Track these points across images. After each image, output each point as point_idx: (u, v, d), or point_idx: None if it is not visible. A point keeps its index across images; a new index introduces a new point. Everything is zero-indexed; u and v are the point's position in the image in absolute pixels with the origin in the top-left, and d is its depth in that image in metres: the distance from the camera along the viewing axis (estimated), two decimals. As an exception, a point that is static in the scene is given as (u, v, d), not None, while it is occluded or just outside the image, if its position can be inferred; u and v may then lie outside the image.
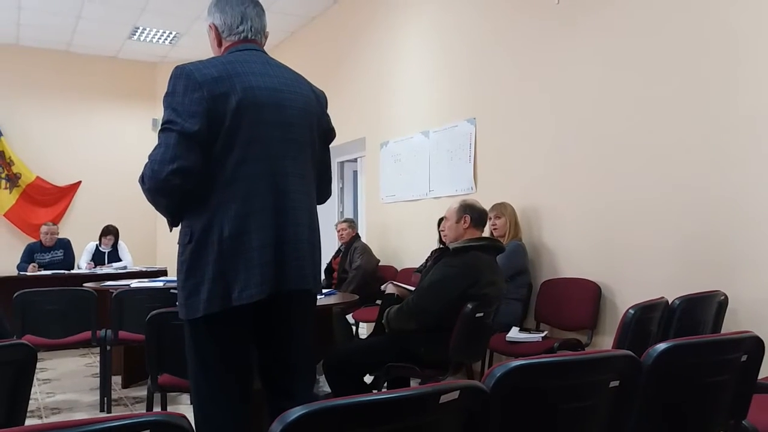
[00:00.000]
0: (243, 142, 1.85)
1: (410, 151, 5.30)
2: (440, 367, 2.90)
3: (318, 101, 2.09)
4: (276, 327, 1.98)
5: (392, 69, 5.56)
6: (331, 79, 6.41)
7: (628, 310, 2.26)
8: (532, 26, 4.04)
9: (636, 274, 3.34)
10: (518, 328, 3.64)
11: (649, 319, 2.41)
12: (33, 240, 6.63)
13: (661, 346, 1.43)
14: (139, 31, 7.14)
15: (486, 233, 3.38)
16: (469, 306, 2.81)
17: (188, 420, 0.97)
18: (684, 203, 3.11)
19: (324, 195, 2.19)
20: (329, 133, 2.17)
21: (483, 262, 2.97)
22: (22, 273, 5.87)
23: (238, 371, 1.93)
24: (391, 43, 5.57)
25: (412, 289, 3.18)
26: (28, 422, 1.75)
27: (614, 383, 1.34)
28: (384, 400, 1.06)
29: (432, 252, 3.34)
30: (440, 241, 4.32)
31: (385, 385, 3.15)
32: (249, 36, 2.01)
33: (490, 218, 3.93)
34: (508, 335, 3.54)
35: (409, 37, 5.33)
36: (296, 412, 0.96)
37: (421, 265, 4.34)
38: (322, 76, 6.37)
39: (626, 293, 3.39)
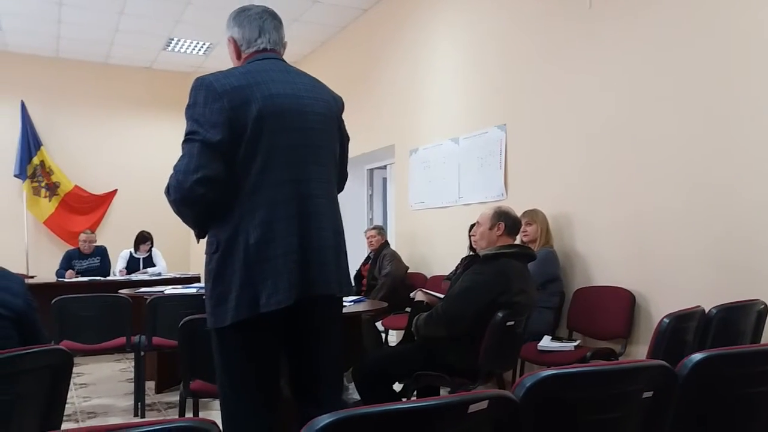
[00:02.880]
0: (265, 149, 1.86)
1: (440, 158, 5.29)
2: (470, 376, 2.87)
3: (336, 105, 2.11)
4: (303, 333, 1.98)
5: (422, 76, 5.57)
6: (361, 87, 6.45)
7: (662, 319, 2.21)
8: (564, 31, 4.00)
9: (671, 281, 3.27)
10: (550, 337, 3.59)
11: (684, 329, 2.36)
12: (71, 247, 6.80)
13: (698, 356, 1.39)
14: (174, 42, 7.29)
15: (517, 240, 3.35)
16: (500, 314, 2.78)
17: (218, 426, 0.98)
18: (721, 209, 3.04)
19: (338, 189, 2.18)
20: (345, 139, 2.18)
21: (514, 269, 2.94)
22: (60, 279, 6.02)
23: (265, 379, 1.94)
24: (421, 50, 5.58)
25: (442, 296, 3.16)
26: (65, 425, 1.79)
27: (648, 394, 1.31)
28: (412, 408, 1.06)
29: (462, 259, 3.32)
30: (471, 248, 4.29)
31: (415, 393, 3.14)
32: (267, 47, 2.03)
33: (521, 225, 3.90)
34: (539, 344, 3.50)
35: (440, 43, 5.34)
36: (324, 419, 0.97)
37: (451, 273, 4.31)
38: (352, 84, 6.43)
39: (661, 301, 3.32)
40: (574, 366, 1.30)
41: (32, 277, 6.20)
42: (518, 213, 3.39)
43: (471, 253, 3.97)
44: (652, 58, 3.40)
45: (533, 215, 3.94)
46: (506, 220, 3.06)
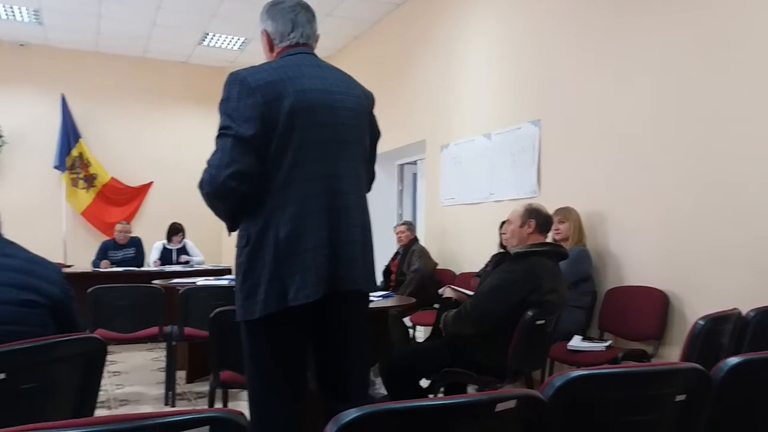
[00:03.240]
0: (296, 144, 1.88)
1: (471, 154, 5.25)
2: (498, 374, 2.85)
3: (367, 101, 2.10)
4: (330, 328, 2.00)
5: (455, 71, 5.53)
6: (392, 82, 6.44)
7: (697, 320, 2.16)
8: (601, 25, 3.93)
9: (707, 282, 3.20)
10: (581, 337, 3.54)
11: (720, 331, 2.30)
12: (107, 237, 6.95)
13: (734, 360, 1.36)
14: (209, 36, 7.38)
15: (548, 238, 3.30)
16: (530, 313, 2.75)
17: (245, 417, 0.99)
18: (759, 209, 2.95)
19: (367, 189, 2.18)
20: (376, 134, 2.18)
21: (545, 268, 2.90)
22: (96, 269, 6.15)
23: (292, 372, 1.96)
24: (454, 44, 5.55)
25: (471, 293, 3.14)
26: (98, 412, 1.83)
27: (680, 397, 1.28)
28: (439, 406, 1.06)
29: (492, 256, 3.29)
30: (501, 245, 4.26)
31: (442, 390, 3.13)
32: (300, 41, 2.03)
33: (554, 222, 3.85)
34: (569, 344, 3.45)
35: (474, 38, 5.29)
36: (351, 414, 0.97)
37: (481, 270, 4.29)
38: (385, 79, 6.42)
39: (696, 303, 3.24)
40: (605, 367, 1.28)
41: (69, 266, 6.35)
42: (551, 210, 3.35)
43: (501, 250, 3.94)
44: (690, 54, 3.32)
45: (566, 213, 3.89)
46: (537, 218, 3.02)
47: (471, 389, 3.14)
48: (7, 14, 6.66)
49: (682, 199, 3.36)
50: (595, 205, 3.92)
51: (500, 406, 1.06)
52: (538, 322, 2.79)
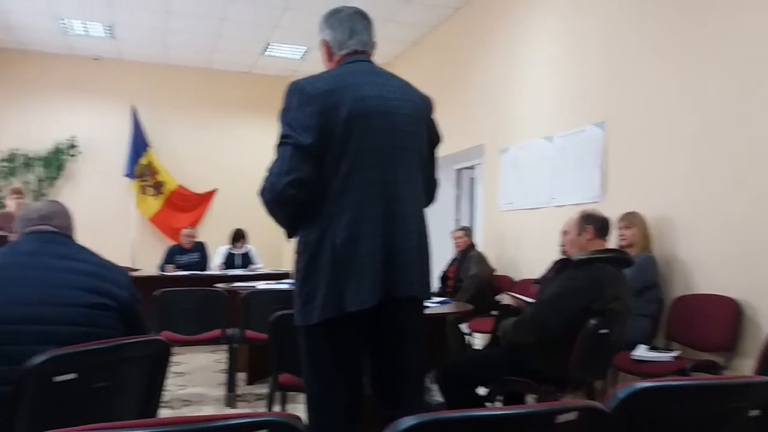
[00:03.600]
0: (353, 151, 1.89)
1: (532, 158, 5.16)
2: (558, 384, 2.78)
3: (425, 106, 2.10)
4: (386, 333, 2.00)
5: (515, 73, 5.46)
6: (450, 86, 6.41)
7: (774, 332, 2.05)
8: (672, 24, 3.79)
9: (784, 293, 3.03)
10: (646, 347, 3.41)
11: (799, 344, 2.17)
12: (173, 242, 7.20)
13: (814, 375, 1.28)
14: (271, 47, 7.55)
15: (612, 244, 3.20)
16: (593, 321, 2.67)
17: (302, 421, 1.00)
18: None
19: (430, 198, 2.18)
20: (436, 138, 2.17)
21: (609, 275, 2.81)
22: (162, 273, 6.38)
23: (349, 376, 1.97)
24: (515, 46, 5.47)
25: (530, 300, 3.08)
26: (162, 412, 1.89)
27: (754, 413, 1.22)
28: (498, 416, 1.04)
29: (553, 263, 3.21)
30: (562, 251, 4.16)
31: (499, 399, 3.08)
32: (358, 49, 2.06)
33: (619, 228, 3.74)
34: (634, 353, 3.34)
35: (536, 39, 5.21)
36: (409, 421, 0.96)
37: (541, 276, 4.20)
38: (442, 83, 6.41)
39: (772, 314, 3.08)
40: (672, 378, 1.23)
41: (137, 270, 6.60)
42: (616, 216, 3.24)
43: (563, 256, 3.85)
44: (764, 58, 3.16)
45: (631, 218, 3.76)
46: (594, 223, 2.93)
47: (530, 399, 3.07)
48: (84, 30, 7.01)
49: (755, 204, 3.19)
50: (662, 210, 3.78)
51: (561, 418, 1.03)
52: (601, 331, 2.71)
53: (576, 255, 2.92)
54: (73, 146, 7.89)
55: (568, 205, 4.60)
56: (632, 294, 3.04)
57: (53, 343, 1.70)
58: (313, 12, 6.13)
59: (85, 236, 2.16)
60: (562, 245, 3.63)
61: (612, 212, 3.11)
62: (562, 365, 2.71)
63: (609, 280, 2.80)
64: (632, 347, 3.37)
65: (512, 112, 5.49)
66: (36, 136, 7.72)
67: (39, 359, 1.56)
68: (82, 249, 2.03)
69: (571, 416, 1.04)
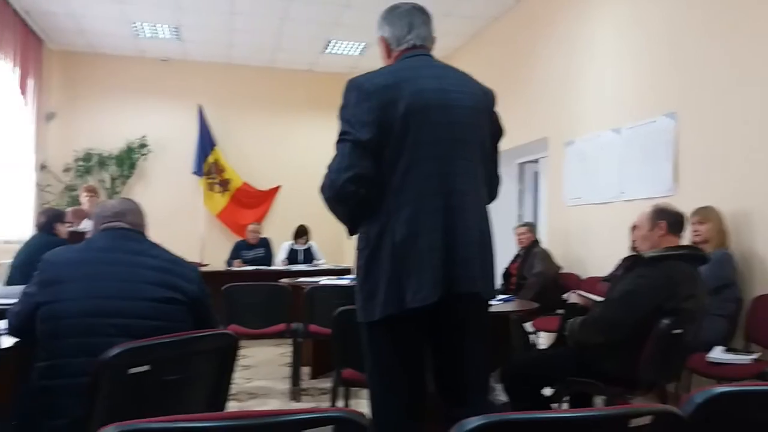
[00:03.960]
0: (412, 145, 1.88)
1: (598, 150, 5.01)
2: (628, 386, 2.68)
3: (486, 99, 2.06)
4: (447, 330, 1.98)
5: (580, 63, 5.30)
6: (511, 78, 6.30)
7: None
8: (747, 5, 3.59)
9: None
10: (723, 348, 3.25)
11: None
12: (240, 238, 7.39)
13: None
14: (332, 44, 7.62)
15: (686, 240, 3.06)
16: (666, 321, 2.56)
17: (366, 417, 1.00)
18: None
19: (492, 195, 2.14)
20: (498, 131, 2.12)
21: (682, 273, 2.69)
22: (229, 268, 6.55)
23: (411, 372, 1.96)
24: (578, 35, 5.32)
25: (599, 299, 2.98)
26: (229, 404, 1.94)
27: None
28: (568, 418, 1.01)
29: (623, 260, 3.10)
30: (633, 248, 4.01)
31: (565, 400, 3.00)
32: (416, 43, 2.04)
33: (693, 224, 3.57)
34: (709, 355, 3.18)
35: (601, 26, 5.04)
36: (474, 422, 0.95)
37: (610, 274, 4.06)
38: (503, 76, 6.30)
39: None
40: (754, 383, 1.15)
41: (205, 265, 6.79)
42: (689, 210, 3.10)
43: (633, 253, 3.71)
44: None
45: (706, 213, 3.59)
46: (667, 217, 2.80)
47: (597, 400, 2.98)
48: (152, 32, 7.27)
49: None
50: (740, 204, 3.59)
51: (634, 422, 0.99)
52: (675, 332, 2.59)
53: (647, 252, 2.80)
54: (144, 145, 8.20)
55: (638, 199, 4.43)
56: (708, 293, 2.90)
57: (127, 336, 1.77)
58: (372, 8, 6.13)
59: (156, 232, 2.23)
60: (633, 241, 3.50)
61: (685, 207, 2.98)
62: (631, 366, 2.61)
63: (683, 278, 2.67)
64: (708, 348, 3.22)
65: (577, 104, 5.34)
66: (109, 136, 8.05)
67: (114, 351, 1.62)
68: (154, 245, 2.11)
69: (645, 420, 1.00)
